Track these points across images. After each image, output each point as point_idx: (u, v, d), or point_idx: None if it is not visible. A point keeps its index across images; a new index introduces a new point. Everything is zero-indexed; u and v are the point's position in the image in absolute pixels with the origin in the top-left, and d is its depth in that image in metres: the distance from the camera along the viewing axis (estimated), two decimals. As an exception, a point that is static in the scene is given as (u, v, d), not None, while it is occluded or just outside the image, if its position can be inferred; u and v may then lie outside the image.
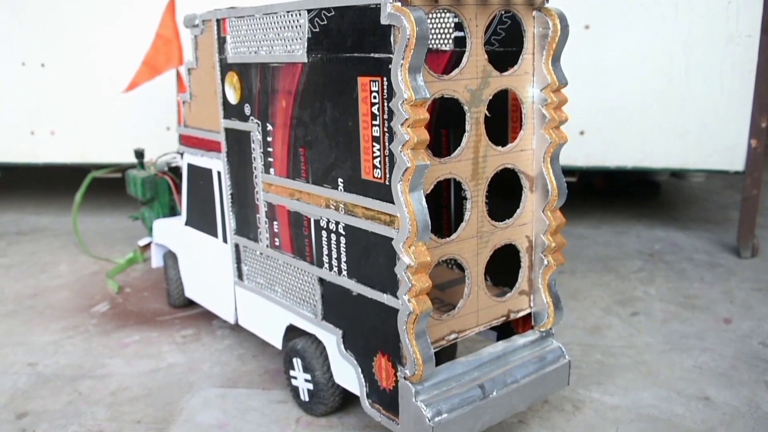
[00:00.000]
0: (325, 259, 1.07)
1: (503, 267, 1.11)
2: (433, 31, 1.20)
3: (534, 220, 1.06)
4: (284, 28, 1.06)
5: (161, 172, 1.72)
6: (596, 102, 1.97)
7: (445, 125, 1.20)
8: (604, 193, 2.73)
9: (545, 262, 1.07)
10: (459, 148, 0.96)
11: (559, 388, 1.11)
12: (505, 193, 1.09)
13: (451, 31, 1.17)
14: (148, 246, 1.80)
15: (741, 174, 1.94)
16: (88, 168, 2.14)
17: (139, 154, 1.76)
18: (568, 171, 2.11)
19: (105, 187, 2.39)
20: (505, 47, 1.06)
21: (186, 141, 1.43)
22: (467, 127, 0.96)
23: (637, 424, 1.15)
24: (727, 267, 1.88)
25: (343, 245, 1.03)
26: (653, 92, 1.94)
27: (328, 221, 1.05)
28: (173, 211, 1.73)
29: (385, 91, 0.89)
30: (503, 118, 1.09)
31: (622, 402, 1.21)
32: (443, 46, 1.18)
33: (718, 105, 1.91)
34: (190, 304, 1.62)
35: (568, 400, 1.22)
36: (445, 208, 1.25)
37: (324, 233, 1.06)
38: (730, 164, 1.94)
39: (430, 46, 1.20)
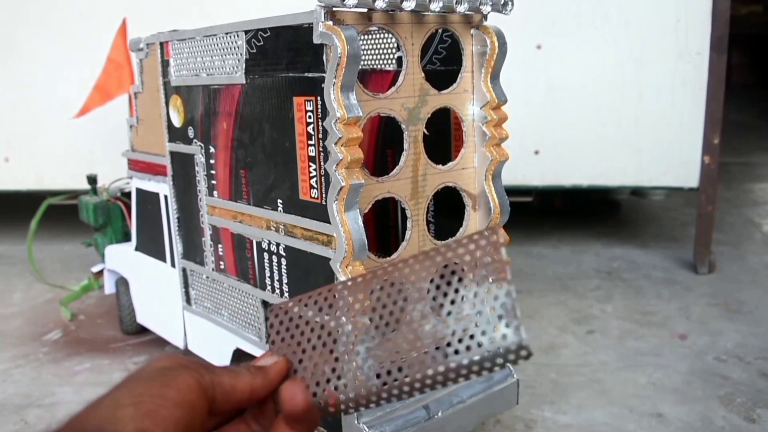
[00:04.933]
0: (268, 281, 1.06)
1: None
2: (375, 50, 1.20)
3: (477, 239, 1.05)
4: (223, 49, 1.06)
5: (114, 197, 1.70)
6: (550, 121, 1.98)
7: (390, 145, 1.19)
8: (563, 213, 2.74)
9: (490, 281, 1.06)
10: (397, 167, 0.95)
11: (508, 407, 1.10)
12: (453, 213, 1.08)
13: (393, 50, 1.17)
14: (101, 272, 1.77)
15: (696, 190, 1.95)
16: (44, 195, 2.11)
17: (92, 179, 1.74)
18: (524, 191, 2.12)
19: (63, 213, 2.36)
20: (447, 66, 1.06)
21: (134, 165, 1.42)
22: (405, 146, 0.95)
23: (588, 443, 1.14)
24: (684, 283, 1.88)
25: (284, 267, 1.02)
26: (607, 110, 1.96)
27: (269, 243, 1.04)
28: (127, 237, 1.71)
29: (320, 110, 0.88)
30: (446, 137, 1.09)
31: (575, 420, 1.21)
32: (386, 65, 1.18)
33: (671, 122, 1.93)
34: (144, 330, 1.60)
35: (520, 419, 1.21)
36: (392, 228, 1.24)
37: (266, 255, 1.05)
38: (685, 181, 1.95)
39: (374, 66, 1.20)
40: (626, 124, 1.96)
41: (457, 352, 0.47)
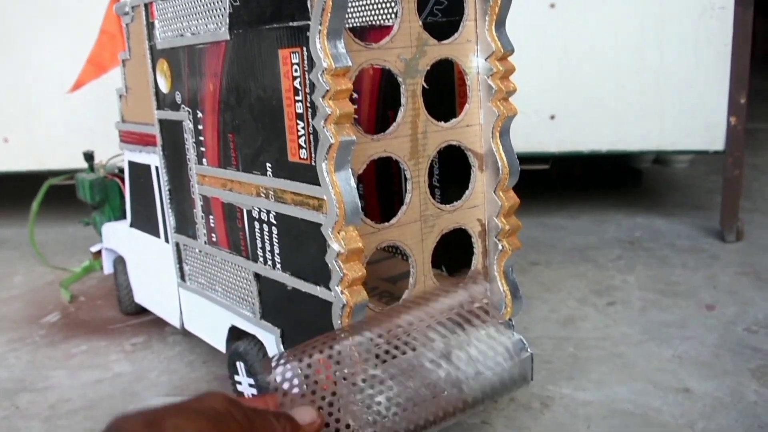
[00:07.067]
0: (260, 252, 0.99)
1: (458, 255, 1.02)
2: (374, 6, 1.12)
3: (485, 202, 0.97)
4: (207, 4, 0.98)
5: (111, 174, 1.64)
6: (566, 84, 1.89)
7: (392, 107, 1.11)
8: (583, 182, 2.65)
9: (500, 247, 0.98)
10: (394, 124, 0.87)
11: (522, 384, 1.03)
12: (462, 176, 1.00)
13: (393, 5, 1.09)
14: (101, 252, 1.71)
15: (721, 154, 1.86)
16: (45, 175, 2.06)
17: (89, 156, 1.68)
18: (540, 158, 2.04)
19: (65, 194, 2.30)
20: (449, 17, 0.98)
21: (125, 137, 1.35)
22: (402, 101, 0.87)
23: (610, 421, 1.06)
24: (710, 252, 1.80)
25: (275, 236, 0.94)
26: (626, 71, 1.86)
27: (260, 211, 0.96)
28: (125, 214, 1.65)
29: (306, 62, 0.81)
30: (450, 92, 1.01)
31: (595, 397, 1.13)
32: (385, 21, 1.10)
33: (694, 82, 1.83)
34: (144, 310, 1.53)
35: (536, 397, 1.14)
36: (396, 195, 1.17)
37: (257, 224, 0.98)
38: (710, 144, 1.86)
39: (373, 21, 1.12)
40: (647, 85, 1.86)
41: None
